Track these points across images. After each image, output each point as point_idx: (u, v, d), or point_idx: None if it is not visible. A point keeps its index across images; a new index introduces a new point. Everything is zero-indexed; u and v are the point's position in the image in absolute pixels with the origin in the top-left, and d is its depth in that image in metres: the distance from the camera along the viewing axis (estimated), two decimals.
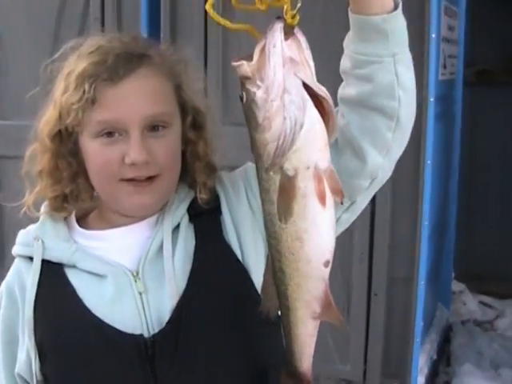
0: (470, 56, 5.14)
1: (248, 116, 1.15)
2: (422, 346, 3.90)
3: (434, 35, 3.55)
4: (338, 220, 1.37)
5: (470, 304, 5.34)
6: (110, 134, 1.40)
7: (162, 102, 1.42)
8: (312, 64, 1.14)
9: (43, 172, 1.51)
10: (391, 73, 1.27)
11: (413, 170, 3.63)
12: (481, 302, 5.42)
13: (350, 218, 1.41)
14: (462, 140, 4.98)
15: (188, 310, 1.39)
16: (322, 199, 1.13)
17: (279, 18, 1.12)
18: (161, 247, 1.43)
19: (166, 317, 1.39)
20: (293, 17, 1.13)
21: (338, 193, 1.14)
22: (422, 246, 3.62)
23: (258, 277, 1.40)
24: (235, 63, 1.14)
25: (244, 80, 1.13)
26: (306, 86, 1.11)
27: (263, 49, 1.12)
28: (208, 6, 1.25)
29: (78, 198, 1.51)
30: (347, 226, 1.42)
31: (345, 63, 1.31)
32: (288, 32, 1.12)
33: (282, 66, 1.10)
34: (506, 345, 4.70)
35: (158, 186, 1.43)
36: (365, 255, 3.72)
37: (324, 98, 1.13)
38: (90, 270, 1.44)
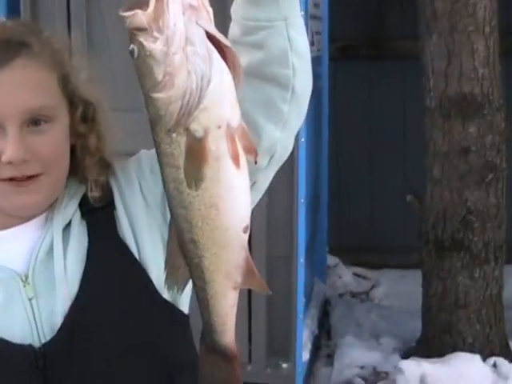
0: (333, 32, 5.21)
1: (142, 73, 1.03)
2: (304, 322, 3.94)
3: (302, 13, 3.56)
4: None
5: (345, 276, 5.44)
6: None
7: (42, 95, 1.30)
8: (210, 10, 1.04)
9: None
10: (284, 38, 1.21)
11: None
12: (355, 274, 5.54)
13: (254, 198, 1.34)
14: (328, 115, 5.05)
15: (82, 315, 1.29)
16: (236, 160, 1.03)
17: None
18: (51, 247, 1.33)
19: (59, 324, 1.29)
20: None
21: (251, 151, 1.05)
22: (300, 224, 3.65)
23: (156, 274, 1.34)
24: (126, 13, 1.00)
25: (137, 32, 1.01)
26: (209, 36, 1.01)
27: None
28: None
29: None
30: (252, 207, 1.36)
31: (233, 31, 1.24)
32: None
33: (182, 14, 0.99)
34: (382, 314, 4.82)
35: (41, 184, 1.31)
36: None
37: (227, 46, 1.03)
38: None
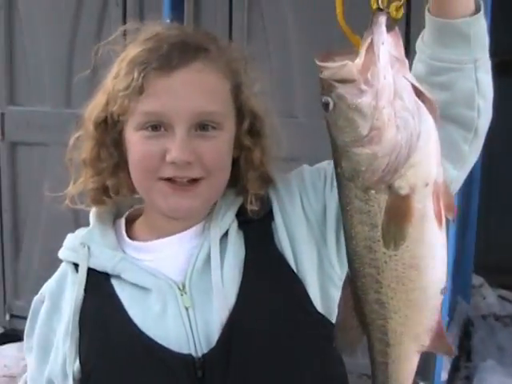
0: (493, 47, 5.06)
1: (341, 126, 0.98)
2: None
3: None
4: None
5: (489, 298, 5.27)
6: (155, 127, 1.31)
7: (214, 101, 1.32)
8: (407, 61, 1.01)
9: (86, 161, 1.42)
10: (472, 80, 1.19)
11: None
12: (500, 297, 5.35)
13: None
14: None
15: (239, 327, 1.28)
16: (439, 219, 0.99)
17: (381, 9, 0.99)
18: (208, 257, 1.33)
19: (215, 335, 1.29)
20: (397, 9, 1.01)
21: (451, 209, 1.01)
22: (448, 242, 3.57)
23: (313, 289, 1.33)
24: (333, 64, 0.97)
25: (337, 83, 0.97)
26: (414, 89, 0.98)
27: (371, 46, 0.96)
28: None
29: (119, 193, 1.43)
30: None
31: (418, 69, 1.21)
32: (390, 27, 0.98)
33: (391, 67, 0.96)
34: None
35: (201, 191, 1.32)
36: None
37: (430, 100, 0.99)
38: (135, 282, 1.35)
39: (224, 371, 1.28)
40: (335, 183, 1.29)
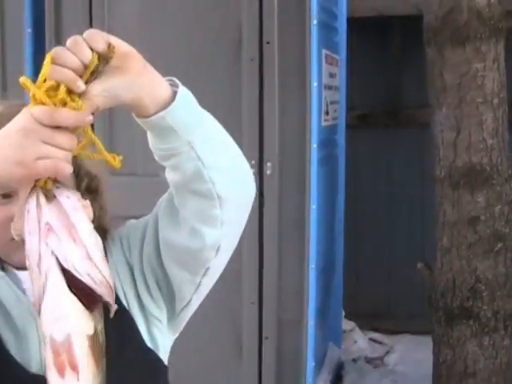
0: (352, 101, 5.33)
1: None
2: None
3: (315, 83, 3.69)
4: (199, 285, 1.40)
5: (360, 341, 5.45)
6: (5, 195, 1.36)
7: None
8: (80, 227, 1.13)
9: None
10: (193, 159, 1.27)
11: (299, 214, 3.73)
12: (371, 339, 5.55)
13: (211, 280, 1.43)
14: (346, 181, 5.14)
15: None
16: (60, 370, 1.10)
17: (38, 180, 1.14)
18: None
19: None
20: (45, 182, 1.14)
21: (74, 367, 1.11)
22: (310, 289, 3.72)
23: (141, 324, 1.44)
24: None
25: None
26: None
27: (23, 212, 1.14)
28: None
29: None
30: (211, 285, 1.45)
31: (154, 156, 1.31)
32: (49, 196, 1.13)
33: (37, 233, 1.11)
34: (396, 379, 4.83)
35: None
36: (254, 299, 3.78)
37: (79, 277, 1.11)
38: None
39: None
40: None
